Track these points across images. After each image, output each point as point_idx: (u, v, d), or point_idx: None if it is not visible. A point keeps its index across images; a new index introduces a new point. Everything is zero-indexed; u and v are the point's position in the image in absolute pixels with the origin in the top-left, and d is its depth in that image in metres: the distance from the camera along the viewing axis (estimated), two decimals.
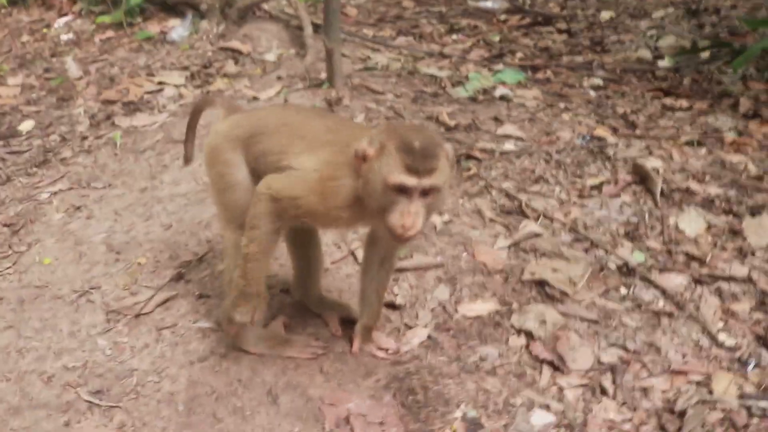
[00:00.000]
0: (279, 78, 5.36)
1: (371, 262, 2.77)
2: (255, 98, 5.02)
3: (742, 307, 3.11)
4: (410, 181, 2.19)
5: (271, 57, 5.76)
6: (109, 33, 6.41)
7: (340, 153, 2.38)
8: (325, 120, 2.66)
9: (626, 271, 3.32)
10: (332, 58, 5.04)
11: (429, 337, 2.92)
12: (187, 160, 3.09)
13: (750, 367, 2.81)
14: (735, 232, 3.59)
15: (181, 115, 4.78)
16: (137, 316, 3.07)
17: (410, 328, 2.97)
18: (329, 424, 2.51)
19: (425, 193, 2.24)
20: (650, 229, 3.62)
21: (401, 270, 3.25)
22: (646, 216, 3.73)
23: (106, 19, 6.55)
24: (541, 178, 4.07)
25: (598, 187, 3.98)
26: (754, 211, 3.74)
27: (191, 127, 3.01)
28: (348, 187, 2.34)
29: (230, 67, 5.60)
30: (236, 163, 2.65)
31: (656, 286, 3.21)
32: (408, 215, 2.21)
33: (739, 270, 3.32)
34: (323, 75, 5.23)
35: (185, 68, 5.61)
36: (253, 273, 2.53)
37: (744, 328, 3.00)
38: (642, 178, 4.04)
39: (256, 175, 2.60)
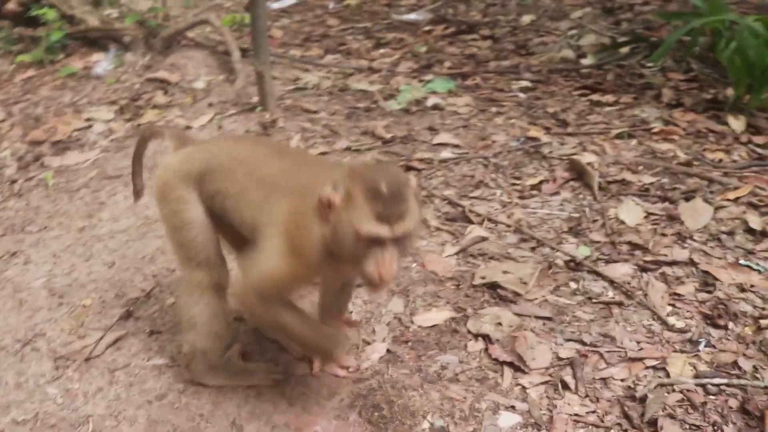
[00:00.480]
0: (210, 105, 5.30)
1: (330, 288, 2.74)
2: (188, 127, 4.95)
3: (687, 289, 3.20)
4: (383, 230, 2.07)
5: (200, 84, 5.69)
6: (31, 72, 6.24)
7: (303, 201, 2.25)
8: (283, 159, 2.50)
9: (574, 265, 3.38)
10: (263, 80, 5.01)
11: (388, 351, 2.91)
12: (137, 194, 2.98)
13: (701, 346, 2.89)
14: (672, 218, 3.70)
15: (114, 150, 4.68)
16: (87, 359, 2.97)
17: (368, 344, 2.95)
18: None
19: (398, 239, 2.13)
20: (592, 223, 3.70)
21: None
22: (587, 210, 3.81)
23: (25, 57, 6.37)
24: (482, 182, 4.12)
25: (538, 187, 4.06)
26: (688, 196, 3.86)
27: (137, 159, 2.91)
28: (316, 237, 2.20)
29: (159, 97, 5.52)
30: (189, 199, 2.55)
31: (604, 278, 3.28)
32: (384, 264, 2.10)
33: (681, 254, 3.42)
34: (255, 98, 5.20)
35: (113, 102, 5.51)
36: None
37: (691, 309, 3.09)
38: (579, 173, 4.13)
39: (212, 212, 2.56)
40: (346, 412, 2.63)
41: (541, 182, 4.10)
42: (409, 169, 4.26)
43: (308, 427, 2.55)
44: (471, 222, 3.73)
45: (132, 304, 3.27)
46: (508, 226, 3.69)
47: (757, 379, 2.73)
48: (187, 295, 2.66)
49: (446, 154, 4.45)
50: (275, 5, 8.48)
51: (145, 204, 4.00)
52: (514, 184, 4.10)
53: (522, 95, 5.46)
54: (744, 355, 2.85)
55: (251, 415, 2.62)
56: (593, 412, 2.62)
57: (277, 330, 2.52)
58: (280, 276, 2.30)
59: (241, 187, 2.43)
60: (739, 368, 2.78)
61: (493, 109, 5.18)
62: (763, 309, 3.07)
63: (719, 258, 3.39)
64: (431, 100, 5.27)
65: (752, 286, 3.20)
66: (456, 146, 4.57)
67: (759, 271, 3.30)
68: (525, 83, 5.71)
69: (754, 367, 2.79)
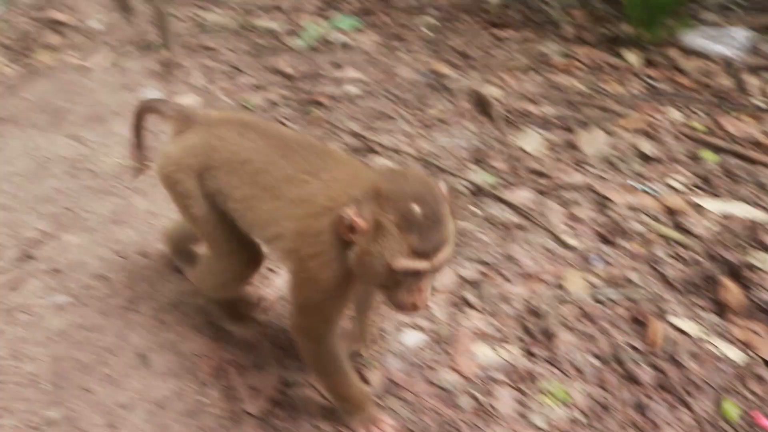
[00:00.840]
0: (107, 45, 5.10)
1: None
2: (84, 67, 4.75)
3: (584, 211, 3.33)
4: (421, 265, 1.80)
5: (95, 24, 5.45)
6: None
7: (316, 217, 1.96)
8: (293, 159, 2.11)
9: (476, 191, 3.46)
10: (162, 19, 4.85)
11: None
12: (139, 168, 2.73)
13: (595, 262, 3.04)
14: (571, 145, 3.83)
15: (4, 92, 4.45)
16: None
17: (274, 272, 2.96)
18: (206, 376, 2.48)
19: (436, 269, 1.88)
20: (494, 152, 3.78)
21: None
22: (489, 140, 3.89)
23: None
24: (386, 115, 4.14)
25: (442, 118, 4.11)
26: (585, 125, 4.00)
27: (136, 133, 2.64)
28: (334, 259, 1.93)
29: (52, 38, 5.26)
30: (195, 195, 2.30)
31: (505, 202, 3.38)
32: (419, 294, 1.87)
33: (578, 178, 3.55)
34: (154, 37, 5.02)
35: (1, 45, 5.21)
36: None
37: (586, 229, 3.22)
38: (482, 105, 4.20)
39: (218, 208, 2.30)
40: (257, 339, 2.64)
41: (445, 114, 4.15)
42: (314, 103, 4.23)
43: (216, 354, 2.56)
44: (376, 153, 3.75)
45: (29, 245, 3.16)
46: (412, 156, 3.74)
47: (644, 290, 2.90)
48: (210, 266, 2.50)
49: (351, 88, 4.44)
50: None
51: (39, 145, 3.85)
52: (418, 116, 4.14)
53: (427, 31, 5.48)
54: (634, 269, 3.01)
55: (158, 346, 2.60)
56: (495, 327, 2.72)
57: (319, 376, 2.29)
58: (308, 307, 2.08)
59: (246, 193, 2.16)
60: (629, 281, 2.94)
61: (399, 45, 5.18)
62: (652, 227, 3.24)
63: (613, 181, 3.54)
64: (336, 38, 5.23)
65: (643, 206, 3.37)
66: (361, 81, 4.56)
67: (649, 193, 3.47)
68: (430, 20, 5.72)
69: (642, 279, 2.95)
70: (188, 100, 4.30)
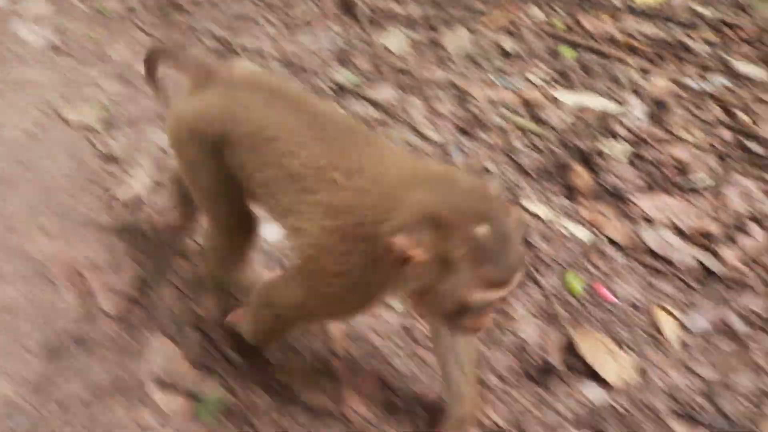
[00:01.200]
0: None
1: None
2: None
3: (445, 106, 3.40)
4: (497, 294, 1.60)
5: None
6: None
7: (346, 238, 1.70)
8: (329, 143, 1.82)
9: (339, 91, 3.46)
10: None
11: (153, 181, 2.86)
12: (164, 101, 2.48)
13: (455, 154, 3.12)
14: (435, 44, 3.86)
15: None
16: None
17: (132, 176, 2.88)
18: (60, 279, 2.42)
19: None
20: (358, 52, 3.77)
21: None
22: (354, 40, 3.87)
23: None
24: (250, 18, 4.03)
25: (306, 20, 4.04)
26: (449, 24, 4.03)
27: (151, 81, 2.38)
28: (361, 287, 1.73)
29: None
30: (204, 165, 2.03)
31: (368, 100, 3.39)
32: (486, 318, 1.68)
33: (440, 75, 3.60)
34: None
35: None
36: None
37: (447, 124, 3.29)
38: (347, 7, 4.15)
39: (235, 183, 2.02)
40: (112, 242, 2.58)
41: (309, 16, 4.07)
42: (173, 7, 4.07)
43: (69, 257, 2.49)
44: (238, 55, 3.67)
45: None
46: (276, 58, 3.67)
47: (500, 178, 3.01)
48: (211, 240, 2.33)
49: None
50: None
51: None
52: (282, 19, 4.05)
53: None
54: (491, 159, 3.11)
55: (4, 253, 2.50)
56: None
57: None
58: (303, 308, 1.91)
59: (269, 176, 1.88)
60: (487, 170, 3.04)
61: None
62: (510, 119, 3.34)
63: (475, 78, 3.61)
64: None
65: (502, 100, 3.46)
66: None
67: (508, 87, 3.56)
68: None
69: (499, 168, 3.06)
70: (38, 8, 4.05)
